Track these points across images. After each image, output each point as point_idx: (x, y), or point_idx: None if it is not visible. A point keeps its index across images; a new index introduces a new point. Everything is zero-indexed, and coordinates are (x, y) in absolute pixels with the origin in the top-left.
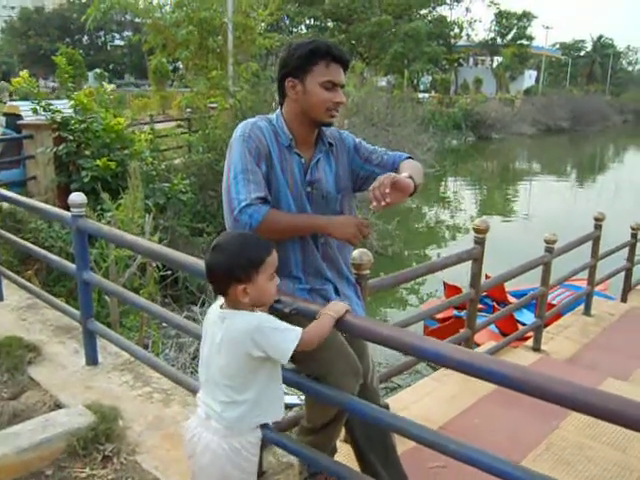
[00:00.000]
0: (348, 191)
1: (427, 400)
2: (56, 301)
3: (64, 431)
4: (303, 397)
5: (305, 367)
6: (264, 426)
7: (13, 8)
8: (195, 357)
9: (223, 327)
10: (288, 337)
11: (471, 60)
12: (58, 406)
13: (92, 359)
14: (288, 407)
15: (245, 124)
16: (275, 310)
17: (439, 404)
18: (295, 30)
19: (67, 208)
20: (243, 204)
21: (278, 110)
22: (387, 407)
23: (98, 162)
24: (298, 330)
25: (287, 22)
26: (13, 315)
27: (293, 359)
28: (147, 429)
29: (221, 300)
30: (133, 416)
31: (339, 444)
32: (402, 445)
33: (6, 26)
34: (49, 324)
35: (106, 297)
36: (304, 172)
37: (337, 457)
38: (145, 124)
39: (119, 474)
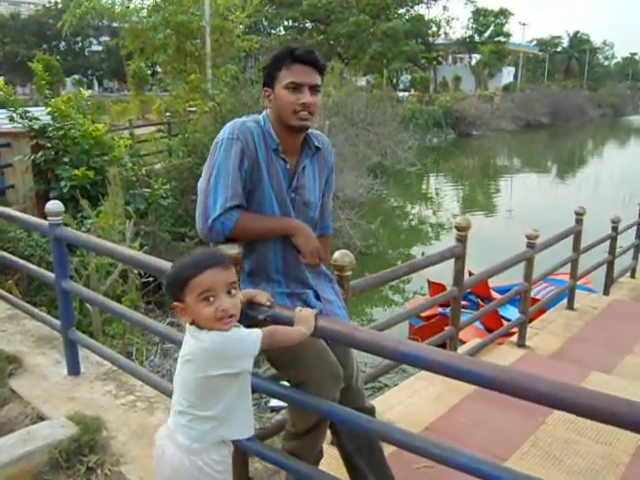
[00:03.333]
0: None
1: (413, 400)
2: (36, 311)
3: (46, 444)
4: None
5: (285, 373)
6: None
7: None
8: None
9: (189, 344)
10: (248, 343)
11: (450, 58)
12: (40, 418)
13: (74, 369)
14: (274, 410)
15: (233, 124)
16: (248, 317)
17: (425, 404)
18: (274, 32)
19: (46, 216)
20: (216, 213)
21: (265, 112)
22: (373, 409)
23: (76, 172)
24: (256, 334)
25: (265, 24)
26: None
27: (273, 365)
28: (131, 438)
29: None
30: (117, 426)
31: (326, 447)
32: (389, 446)
33: None
34: (30, 335)
35: (88, 305)
36: (289, 178)
37: (324, 460)
38: (124, 129)
39: None
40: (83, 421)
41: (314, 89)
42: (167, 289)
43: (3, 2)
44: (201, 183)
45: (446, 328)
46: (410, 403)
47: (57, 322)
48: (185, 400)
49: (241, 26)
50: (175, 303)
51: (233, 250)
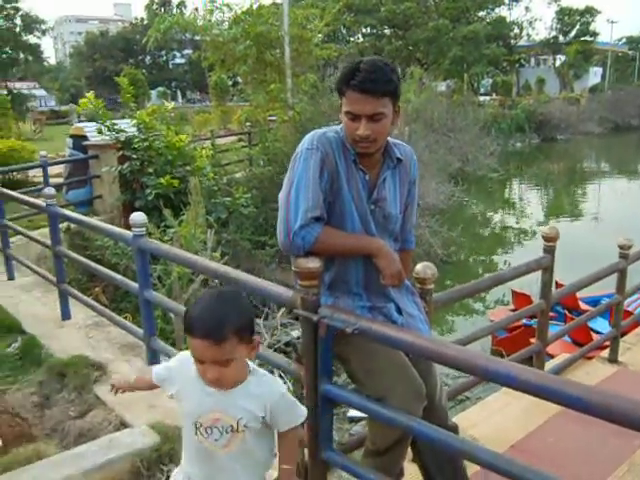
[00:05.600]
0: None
1: (497, 417)
2: (120, 319)
3: (128, 452)
4: None
5: (366, 388)
6: (329, 447)
7: (80, 34)
8: None
9: None
10: None
11: (533, 60)
12: (123, 425)
13: None
14: (353, 420)
15: (313, 135)
16: (336, 329)
17: (510, 422)
18: (352, 39)
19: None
20: (297, 226)
21: None
22: (456, 428)
23: (162, 180)
24: None
25: (344, 32)
26: (80, 333)
27: (352, 379)
28: None
29: None
30: None
31: (406, 464)
32: (472, 465)
33: (74, 51)
34: (114, 342)
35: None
36: (369, 190)
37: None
38: (206, 139)
39: None
40: (164, 430)
41: (374, 117)
42: None
43: (93, 21)
44: (282, 195)
45: (532, 341)
46: (495, 421)
47: (140, 330)
48: None
49: (319, 35)
50: None
51: (314, 263)
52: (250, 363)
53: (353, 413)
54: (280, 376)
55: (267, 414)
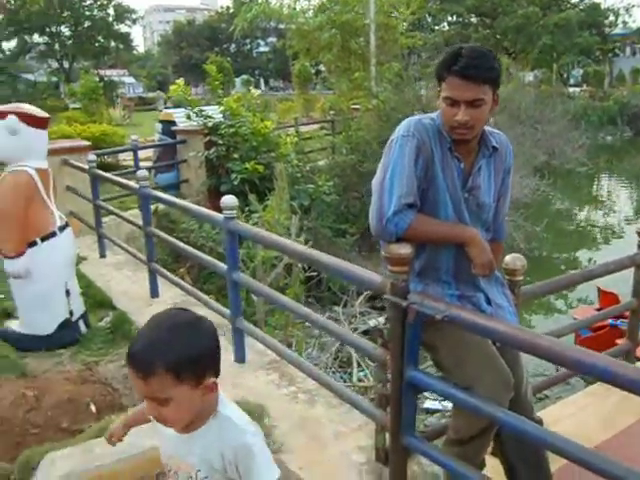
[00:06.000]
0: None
1: (581, 416)
2: (207, 299)
3: None
4: (446, 403)
5: (453, 377)
6: (411, 433)
7: (168, 23)
8: (337, 357)
9: None
10: None
11: (628, 49)
12: None
13: (240, 357)
14: (429, 412)
15: (408, 122)
16: (425, 316)
17: (594, 421)
18: (437, 27)
19: (216, 209)
20: (391, 212)
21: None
22: (540, 421)
23: (247, 165)
24: None
25: (429, 20)
26: None
27: (438, 367)
28: (292, 429)
29: None
30: (279, 415)
31: (487, 457)
32: (554, 463)
33: (162, 40)
34: None
35: (253, 296)
36: (463, 178)
37: (484, 472)
38: (290, 127)
39: None
40: (247, 407)
41: (474, 103)
42: None
43: (181, 10)
44: (376, 181)
45: (619, 342)
46: (578, 419)
47: (226, 310)
48: None
49: (405, 23)
50: None
51: (405, 250)
52: (224, 402)
53: (429, 404)
54: (358, 364)
55: (227, 466)
